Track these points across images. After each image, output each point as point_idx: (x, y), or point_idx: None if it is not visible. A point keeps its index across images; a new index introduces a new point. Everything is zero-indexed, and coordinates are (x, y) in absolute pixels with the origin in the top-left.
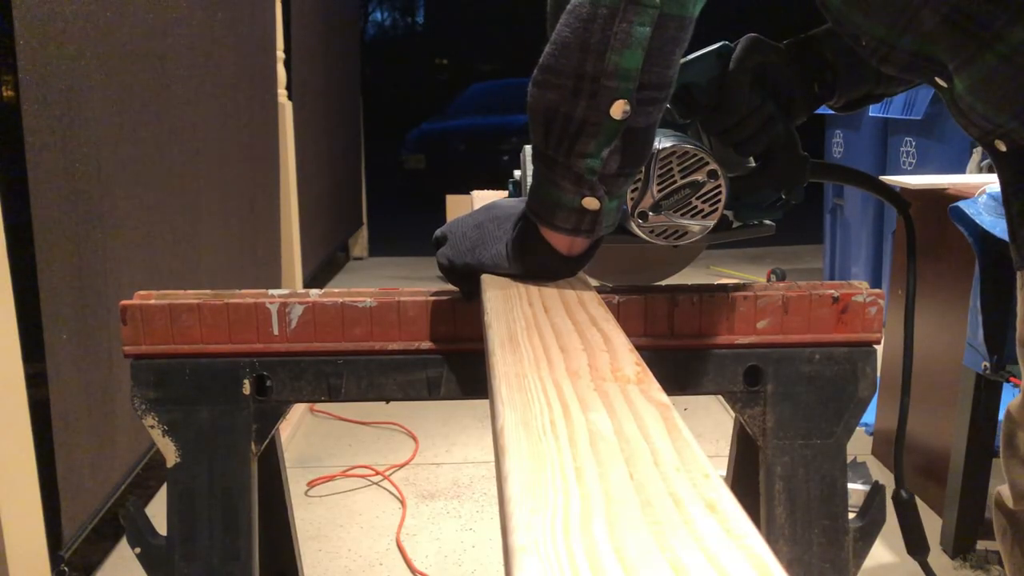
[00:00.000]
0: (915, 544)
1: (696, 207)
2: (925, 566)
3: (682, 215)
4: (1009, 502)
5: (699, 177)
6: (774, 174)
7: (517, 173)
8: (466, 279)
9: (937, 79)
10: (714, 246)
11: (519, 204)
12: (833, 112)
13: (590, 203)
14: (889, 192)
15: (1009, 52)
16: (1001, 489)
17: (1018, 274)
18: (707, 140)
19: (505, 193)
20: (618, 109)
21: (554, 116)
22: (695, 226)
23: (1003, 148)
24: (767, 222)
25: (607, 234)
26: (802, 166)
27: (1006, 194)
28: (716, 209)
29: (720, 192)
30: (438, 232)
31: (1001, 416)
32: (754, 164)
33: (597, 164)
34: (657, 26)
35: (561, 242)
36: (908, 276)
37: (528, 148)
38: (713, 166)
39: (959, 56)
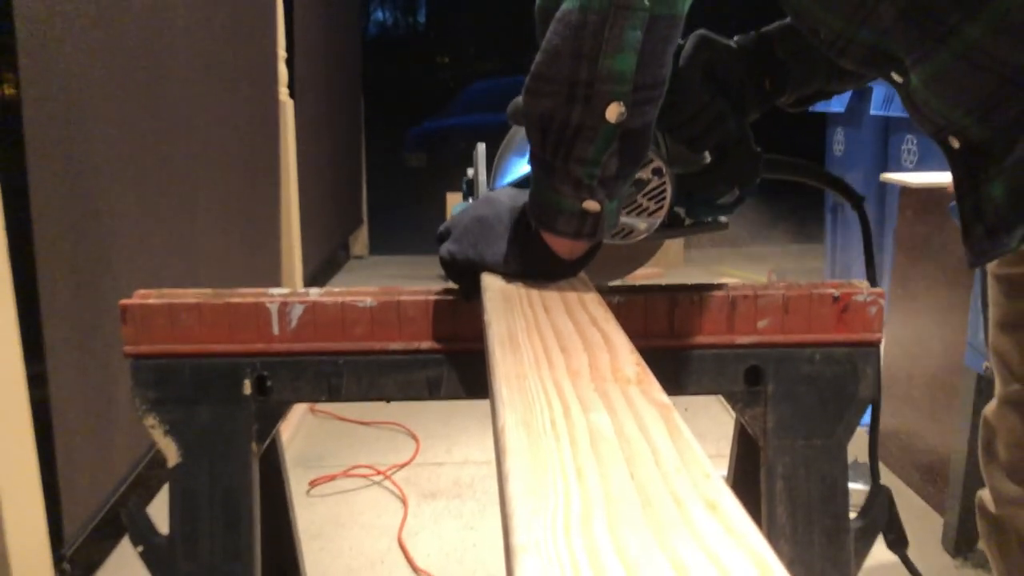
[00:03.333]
0: (894, 539)
1: (641, 205)
2: (905, 560)
3: (628, 213)
4: (991, 506)
5: (644, 175)
6: (727, 170)
7: (470, 171)
8: (466, 276)
9: (893, 74)
10: (710, 244)
11: (520, 196)
12: (788, 109)
13: (591, 206)
14: (842, 186)
15: (964, 49)
16: (982, 493)
17: (989, 279)
18: (660, 137)
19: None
20: (613, 112)
21: (549, 122)
22: (641, 224)
23: (956, 145)
24: (722, 219)
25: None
26: (755, 162)
27: (959, 192)
28: (661, 207)
29: (665, 189)
30: (442, 227)
31: None
32: (709, 160)
33: (596, 169)
34: (648, 28)
35: (563, 246)
36: (867, 270)
37: (481, 146)
38: (657, 164)
39: (915, 51)
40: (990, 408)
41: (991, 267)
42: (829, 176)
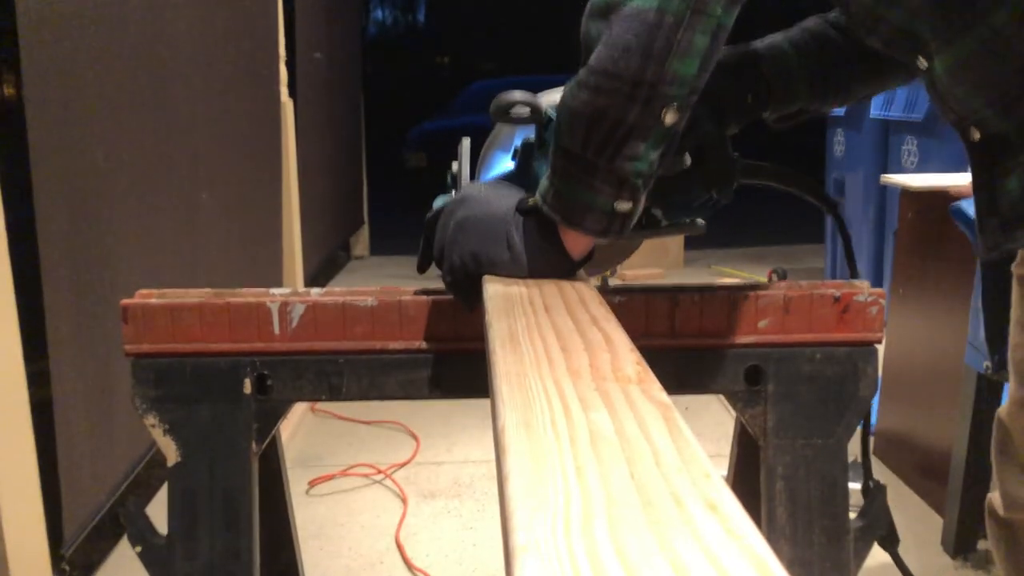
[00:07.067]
0: (885, 536)
1: None
2: (896, 558)
3: None
4: (1000, 510)
5: None
6: (703, 174)
7: (455, 165)
8: (469, 287)
9: (919, 58)
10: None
11: (506, 196)
12: (772, 125)
13: (623, 206)
14: (818, 192)
15: (989, 36)
16: (992, 496)
17: (1013, 278)
18: None
19: None
20: (668, 115)
21: (601, 120)
22: None
23: (976, 136)
24: (699, 221)
25: None
26: (731, 167)
27: (976, 183)
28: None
29: None
30: (435, 254)
31: None
32: (688, 164)
33: (645, 167)
34: (713, 36)
35: (580, 245)
36: (850, 271)
37: (466, 141)
38: None
39: (941, 36)
40: (1004, 409)
41: (1014, 267)
42: (806, 182)
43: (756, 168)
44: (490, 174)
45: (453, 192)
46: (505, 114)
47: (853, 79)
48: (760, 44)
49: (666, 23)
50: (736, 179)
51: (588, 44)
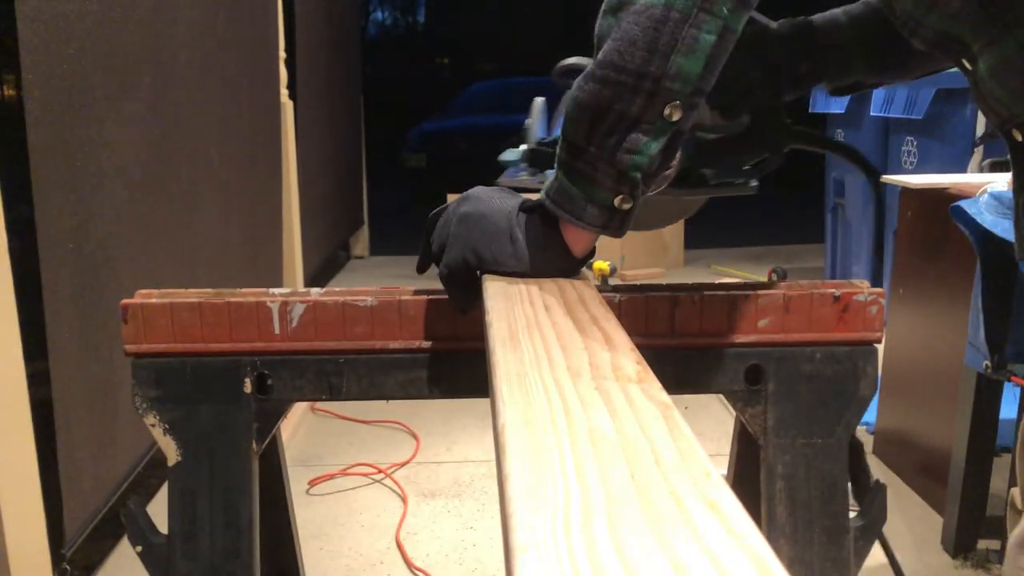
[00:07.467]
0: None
1: None
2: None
3: None
4: (1021, 505)
5: None
6: (756, 138)
7: (527, 121)
8: (465, 284)
9: (964, 61)
10: (718, 243)
11: (509, 197)
12: (829, 95)
13: (623, 202)
14: (864, 163)
15: None
16: (1015, 491)
17: None
18: None
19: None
20: (672, 112)
21: (605, 112)
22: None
23: (1019, 138)
24: (751, 182)
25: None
26: (783, 132)
27: (1016, 185)
28: (671, 166)
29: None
30: (434, 248)
31: (1003, 415)
32: (746, 124)
33: (644, 161)
34: (720, 36)
35: (581, 240)
36: (876, 238)
37: (539, 100)
38: None
39: (982, 38)
40: None
41: None
42: (854, 152)
43: (807, 135)
44: (559, 131)
45: (523, 146)
46: (563, 77)
47: (911, 57)
48: (818, 17)
49: (672, 18)
50: (788, 144)
51: (600, 40)
